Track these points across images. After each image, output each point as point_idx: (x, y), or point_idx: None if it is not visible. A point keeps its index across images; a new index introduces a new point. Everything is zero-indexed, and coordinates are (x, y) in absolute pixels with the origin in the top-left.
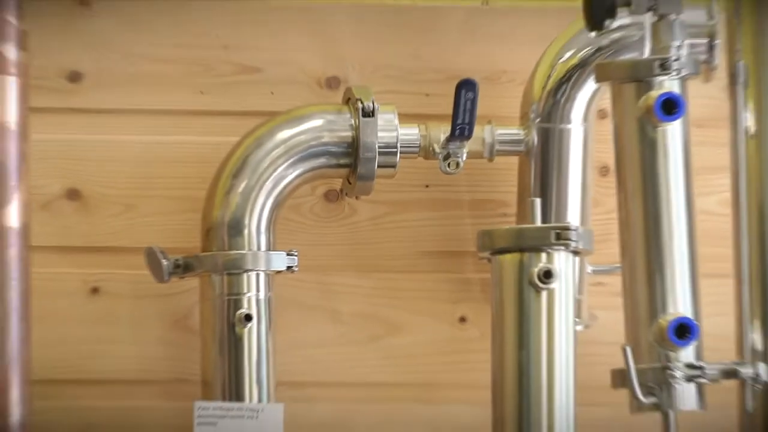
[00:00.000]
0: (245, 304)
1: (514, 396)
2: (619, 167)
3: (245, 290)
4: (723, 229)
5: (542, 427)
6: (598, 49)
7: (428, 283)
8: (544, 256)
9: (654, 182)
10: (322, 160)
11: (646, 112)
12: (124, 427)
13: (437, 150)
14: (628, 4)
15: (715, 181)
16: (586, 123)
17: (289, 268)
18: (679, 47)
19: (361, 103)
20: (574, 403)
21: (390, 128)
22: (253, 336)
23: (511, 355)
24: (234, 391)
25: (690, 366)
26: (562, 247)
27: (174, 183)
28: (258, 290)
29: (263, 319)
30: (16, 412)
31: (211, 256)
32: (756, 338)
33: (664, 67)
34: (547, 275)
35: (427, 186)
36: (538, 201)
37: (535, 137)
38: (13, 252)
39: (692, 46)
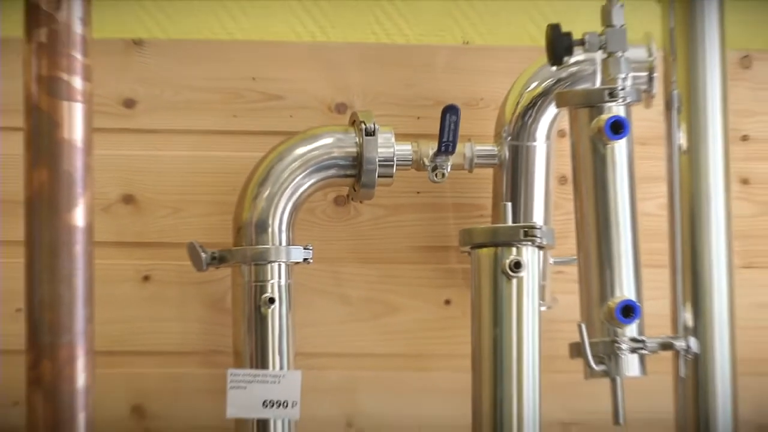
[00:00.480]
0: (269, 290)
1: (490, 364)
2: (576, 177)
3: (269, 278)
4: (660, 228)
5: (513, 390)
6: (558, 81)
7: (419, 272)
8: (514, 250)
9: (604, 190)
10: (332, 172)
11: (598, 132)
12: (169, 390)
13: (426, 163)
14: (582, 44)
15: (654, 189)
16: (548, 141)
17: (305, 259)
18: (625, 79)
19: (364, 124)
20: (539, 370)
21: (388, 145)
22: (276, 315)
23: (488, 331)
24: (260, 360)
25: (633, 340)
26: (529, 243)
27: (211, 190)
28: (280, 278)
29: (284, 302)
30: (81, 378)
31: (241, 250)
32: (687, 317)
33: (612, 95)
34: (517, 266)
35: (418, 192)
36: (509, 205)
37: (506, 153)
38: (79, 247)
39: (635, 78)
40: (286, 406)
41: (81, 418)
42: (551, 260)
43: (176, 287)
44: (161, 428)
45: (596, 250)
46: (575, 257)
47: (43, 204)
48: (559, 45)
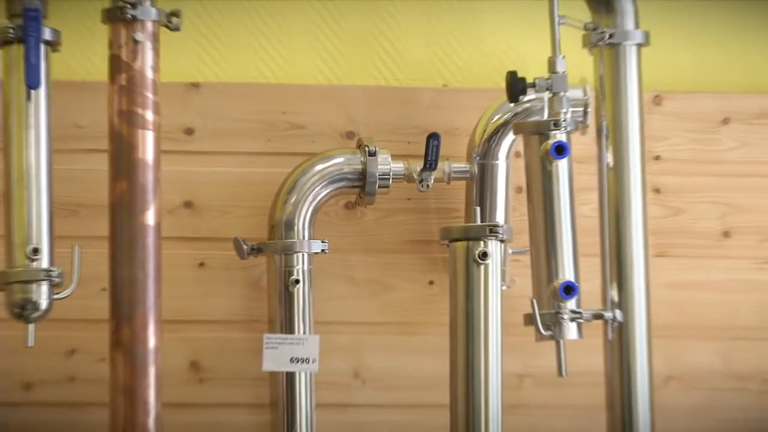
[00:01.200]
0: (295, 273)
1: (464, 331)
2: (528, 188)
3: (295, 264)
4: (593, 226)
5: (481, 350)
6: (515, 114)
7: (409, 260)
8: (482, 243)
9: (550, 197)
10: (342, 183)
11: (546, 154)
12: (218, 350)
13: (415, 177)
14: (534, 86)
15: (589, 196)
16: (507, 160)
17: (322, 250)
18: (566, 113)
19: (368, 147)
20: (501, 334)
21: (385, 163)
22: (300, 293)
23: (462, 305)
24: (288, 327)
25: (573, 311)
26: (493, 238)
27: (251, 197)
28: (303, 264)
29: (306, 283)
30: (152, 340)
31: (274, 243)
32: (614, 294)
33: (557, 125)
34: (484, 255)
35: (408, 199)
36: (478, 209)
37: (476, 169)
38: (150, 241)
39: (574, 112)
40: (308, 362)
41: (152, 371)
42: (510, 251)
43: (224, 271)
44: (212, 379)
45: (544, 243)
46: (528, 248)
47: (123, 208)
48: (515, 87)
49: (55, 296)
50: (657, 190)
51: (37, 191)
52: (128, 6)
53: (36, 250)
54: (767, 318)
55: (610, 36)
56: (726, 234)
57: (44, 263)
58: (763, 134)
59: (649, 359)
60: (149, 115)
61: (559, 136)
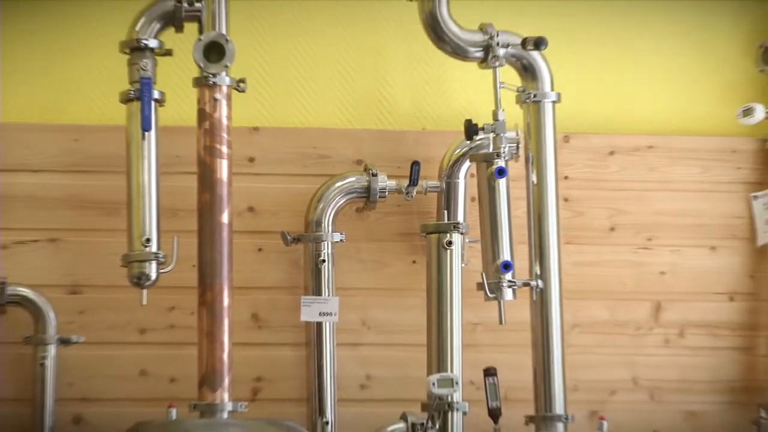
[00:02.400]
0: (322, 255)
1: (436, 294)
2: (479, 198)
3: (322, 249)
4: (523, 224)
5: (448, 307)
6: (471, 148)
7: (399, 246)
8: (448, 235)
9: (494, 204)
10: (354, 195)
11: (491, 175)
12: (271, 307)
13: (403, 190)
14: (483, 130)
15: (521, 203)
16: (465, 179)
17: (341, 240)
18: (505, 148)
19: (371, 170)
20: (461, 296)
21: (383, 181)
22: (326, 269)
23: (434, 277)
24: (317, 291)
25: (509, 281)
26: (456, 231)
27: (292, 204)
28: (328, 249)
29: (330, 262)
30: (226, 301)
31: (308, 235)
32: (537, 269)
33: (498, 156)
34: (449, 243)
35: (399, 205)
36: (445, 212)
37: (444, 185)
38: (225, 233)
39: (510, 147)
40: (331, 314)
41: (225, 322)
42: (467, 240)
43: (275, 254)
44: (267, 327)
45: (490, 235)
46: (479, 239)
47: (206, 211)
48: (470, 130)
49: (161, 271)
50: (566, 199)
51: (149, 200)
52: (210, 75)
53: (148, 240)
54: (640, 285)
55: (534, 96)
56: (612, 229)
57: (153, 248)
58: (637, 162)
59: (561, 313)
60: (224, 149)
61: (500, 163)
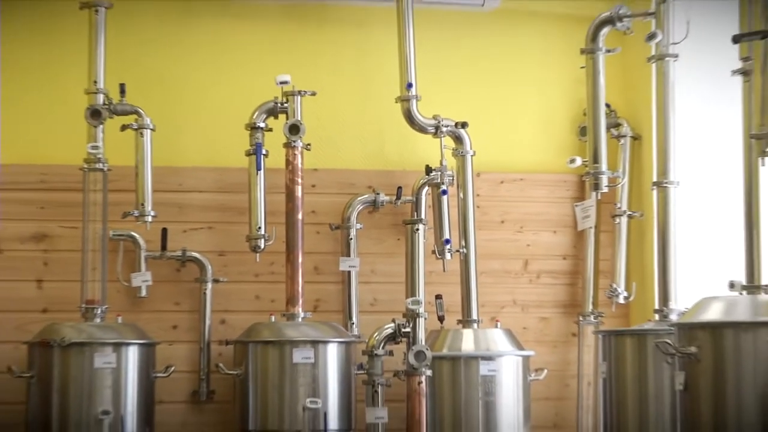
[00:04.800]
0: (351, 236)
1: (410, 256)
2: (433, 206)
3: (351, 234)
4: (456, 218)
5: (417, 265)
6: (428, 179)
7: (392, 230)
8: (416, 225)
9: (440, 209)
10: (367, 204)
11: (439, 193)
12: (325, 261)
13: (393, 202)
14: (434, 170)
15: (454, 210)
16: (425, 196)
17: (360, 228)
18: (446, 179)
19: (376, 191)
20: (424, 257)
21: (382, 197)
22: (353, 243)
23: (409, 247)
24: (347, 254)
25: (448, 249)
26: (420, 223)
27: (335, 209)
28: (354, 232)
29: (354, 239)
30: (300, 259)
31: (343, 225)
32: (463, 242)
33: (443, 183)
34: (417, 229)
35: (391, 210)
36: (415, 213)
37: (414, 199)
38: (299, 225)
39: (449, 177)
40: (355, 267)
41: (299, 270)
42: (427, 227)
43: (325, 235)
44: (322, 272)
45: (439, 225)
46: (433, 227)
47: (290, 213)
48: (428, 170)
49: (267, 243)
50: (478, 206)
51: (260, 207)
52: (292, 141)
53: (259, 228)
54: (516, 251)
55: (461, 152)
56: (502, 221)
57: (262, 232)
58: (515, 187)
59: (475, 266)
60: (299, 180)
61: (444, 187)
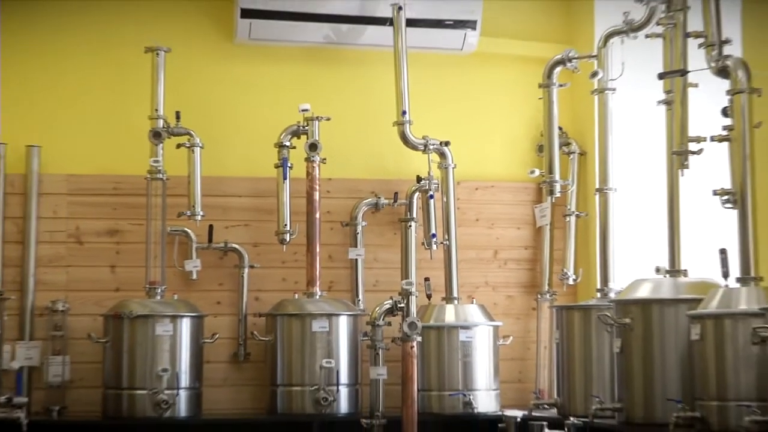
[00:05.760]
0: (358, 230)
1: (404, 247)
2: (421, 207)
3: (358, 229)
4: (440, 217)
5: (410, 253)
6: (420, 186)
7: (391, 227)
8: (409, 222)
9: (428, 211)
10: (370, 206)
11: (427, 198)
12: (336, 253)
13: (391, 204)
14: (423, 179)
15: (439, 211)
16: (416, 199)
17: (365, 225)
18: (432, 186)
19: (378, 196)
20: (415, 248)
21: (383, 201)
22: (359, 237)
23: (404, 240)
24: (355, 245)
25: (434, 242)
26: (413, 221)
27: (345, 210)
28: (361, 228)
29: (361, 233)
30: (318, 249)
31: (351, 222)
32: (446, 236)
33: (430, 189)
34: (410, 226)
35: (390, 210)
36: (409, 214)
37: (408, 202)
38: (317, 223)
39: (435, 185)
40: (361, 255)
41: (317, 258)
42: (417, 224)
43: (338, 230)
44: (335, 260)
45: (426, 222)
46: (422, 224)
47: (310, 213)
48: (418, 179)
49: (291, 236)
50: (458, 207)
51: (286, 208)
52: (311, 156)
53: (286, 225)
54: (488, 242)
55: (445, 166)
56: (477, 219)
57: (288, 227)
58: (488, 192)
59: (456, 254)
60: (317, 187)
61: (431, 192)
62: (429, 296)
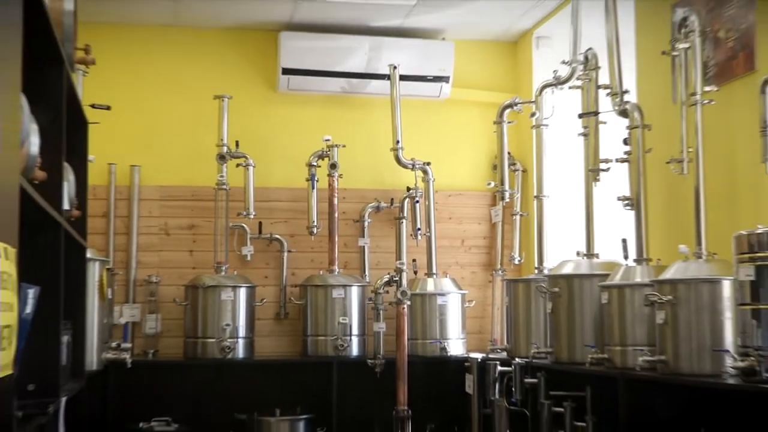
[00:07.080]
0: (364, 225)
1: (397, 237)
2: (410, 209)
3: (364, 224)
4: (424, 218)
5: (402, 242)
6: (408, 193)
7: (388, 224)
8: (402, 220)
9: (415, 212)
10: (373, 208)
11: (414, 203)
12: (349, 240)
13: (390, 206)
14: (412, 189)
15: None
16: (407, 203)
17: (369, 222)
18: (417, 195)
19: (379, 201)
20: (406, 238)
21: (383, 204)
22: (365, 230)
23: (397, 232)
24: (362, 236)
25: (420, 234)
26: (405, 219)
27: (355, 212)
28: (365, 224)
29: (366, 228)
30: (336, 239)
31: (360, 219)
32: (428, 230)
33: (416, 196)
34: (402, 221)
35: (388, 211)
36: (402, 213)
37: (401, 205)
38: (336, 220)
39: (420, 194)
40: (367, 243)
41: (336, 245)
42: (407, 221)
43: (351, 225)
44: (347, 246)
45: (416, 220)
46: (411, 221)
47: (329, 213)
48: (408, 190)
49: (317, 230)
50: (436, 209)
51: (314, 210)
52: (332, 172)
53: (313, 222)
54: (460, 234)
55: (427, 179)
56: (449, 218)
57: (315, 222)
58: (457, 199)
59: (435, 243)
60: (335, 195)
61: (417, 198)
62: (416, 272)
